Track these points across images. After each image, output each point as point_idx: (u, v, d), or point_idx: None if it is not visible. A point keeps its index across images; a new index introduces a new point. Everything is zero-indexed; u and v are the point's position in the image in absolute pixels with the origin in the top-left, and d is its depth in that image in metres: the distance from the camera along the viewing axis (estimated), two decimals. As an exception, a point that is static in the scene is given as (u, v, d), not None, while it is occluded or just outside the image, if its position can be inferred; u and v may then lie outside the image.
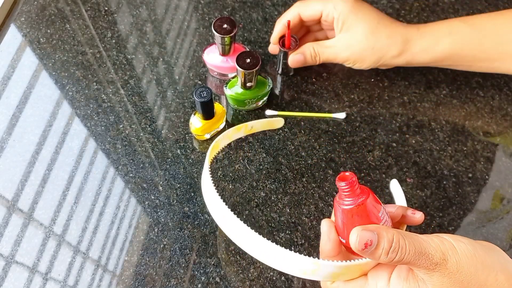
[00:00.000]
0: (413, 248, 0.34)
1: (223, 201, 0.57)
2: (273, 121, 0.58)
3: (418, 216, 0.40)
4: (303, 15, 0.59)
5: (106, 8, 0.72)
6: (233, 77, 0.63)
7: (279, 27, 0.60)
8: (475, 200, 0.57)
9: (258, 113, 0.63)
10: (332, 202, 0.57)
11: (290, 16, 0.59)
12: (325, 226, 0.40)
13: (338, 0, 0.57)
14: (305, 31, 0.64)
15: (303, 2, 0.60)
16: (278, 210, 0.56)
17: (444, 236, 0.36)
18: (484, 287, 0.34)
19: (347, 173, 0.36)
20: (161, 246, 0.54)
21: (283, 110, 0.63)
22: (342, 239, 0.39)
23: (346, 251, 0.40)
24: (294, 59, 0.60)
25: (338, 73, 0.67)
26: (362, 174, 0.59)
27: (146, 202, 0.57)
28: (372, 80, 0.66)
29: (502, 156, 0.60)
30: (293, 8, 0.60)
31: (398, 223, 0.42)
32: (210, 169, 0.58)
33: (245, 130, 0.53)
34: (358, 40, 0.56)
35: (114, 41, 0.69)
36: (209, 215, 0.56)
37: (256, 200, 0.57)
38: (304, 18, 0.60)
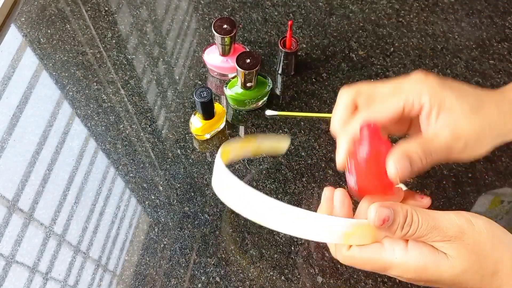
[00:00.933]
0: (426, 222, 0.34)
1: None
2: (280, 147, 0.57)
3: (425, 201, 0.41)
4: (381, 120, 0.40)
5: (107, 9, 0.72)
6: (233, 77, 0.63)
7: (345, 141, 0.40)
8: (474, 200, 0.57)
9: (258, 113, 0.63)
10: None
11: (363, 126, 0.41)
12: (340, 195, 0.39)
13: (418, 82, 0.40)
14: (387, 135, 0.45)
15: (370, 104, 0.42)
16: (278, 210, 0.56)
17: (462, 212, 0.36)
18: (500, 264, 0.35)
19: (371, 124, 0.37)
20: (161, 245, 0.54)
21: (283, 110, 0.63)
22: (353, 186, 0.39)
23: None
24: (401, 170, 0.37)
25: (338, 73, 0.67)
26: (362, 174, 0.59)
27: (146, 202, 0.57)
28: (372, 80, 0.66)
29: (502, 156, 0.60)
30: (362, 113, 0.40)
31: None
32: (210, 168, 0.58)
33: (252, 146, 0.52)
34: (469, 117, 0.39)
35: (114, 41, 0.69)
36: (209, 214, 0.56)
37: (256, 200, 0.57)
38: (384, 123, 0.40)
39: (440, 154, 0.39)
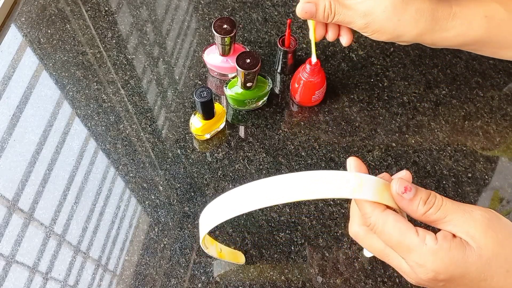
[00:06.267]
0: (450, 202, 0.35)
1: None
2: (238, 255, 0.54)
3: (403, 174, 0.39)
4: None
5: (107, 9, 0.72)
6: (233, 77, 0.63)
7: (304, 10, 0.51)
8: (474, 200, 0.57)
9: (258, 113, 0.63)
10: (331, 202, 0.57)
11: None
12: (356, 162, 0.41)
13: None
14: None
15: None
16: (278, 210, 0.56)
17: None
18: None
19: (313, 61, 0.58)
20: (162, 245, 0.54)
21: (283, 109, 0.63)
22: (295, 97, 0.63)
23: None
24: (304, 8, 0.51)
25: (338, 73, 0.67)
26: (362, 174, 0.59)
27: (147, 202, 0.57)
28: (372, 80, 0.66)
29: (502, 156, 0.60)
30: None
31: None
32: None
33: (216, 248, 0.49)
34: (384, 8, 0.48)
35: (114, 41, 0.69)
36: (209, 215, 0.56)
37: (256, 200, 0.57)
38: None
39: (343, 20, 0.50)
